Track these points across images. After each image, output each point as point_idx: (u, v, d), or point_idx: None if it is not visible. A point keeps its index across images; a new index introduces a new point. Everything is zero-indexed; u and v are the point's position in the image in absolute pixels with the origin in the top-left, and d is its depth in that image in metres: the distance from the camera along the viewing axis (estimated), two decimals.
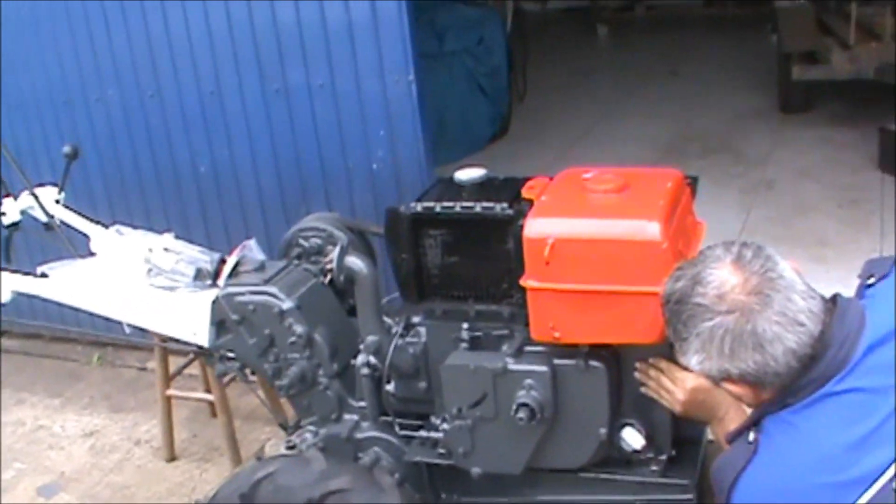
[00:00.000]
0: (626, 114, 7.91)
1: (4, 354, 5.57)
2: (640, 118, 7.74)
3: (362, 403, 2.89)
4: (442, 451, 2.74)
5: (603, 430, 2.54)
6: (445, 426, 2.65)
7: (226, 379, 3.80)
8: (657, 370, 2.48)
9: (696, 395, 2.39)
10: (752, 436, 1.94)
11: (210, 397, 4.08)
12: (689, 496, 2.63)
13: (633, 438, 2.60)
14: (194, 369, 4.30)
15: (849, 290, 2.05)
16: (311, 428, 2.96)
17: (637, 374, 2.52)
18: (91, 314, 3.34)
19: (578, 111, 8.07)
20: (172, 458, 4.27)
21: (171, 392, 4.12)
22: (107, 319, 3.32)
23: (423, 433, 2.78)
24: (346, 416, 2.95)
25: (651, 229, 2.29)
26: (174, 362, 4.16)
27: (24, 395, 5.06)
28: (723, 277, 1.84)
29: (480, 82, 7.36)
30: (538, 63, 8.61)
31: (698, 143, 7.04)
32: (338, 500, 2.50)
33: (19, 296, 3.37)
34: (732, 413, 2.32)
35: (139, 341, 4.89)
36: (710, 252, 1.92)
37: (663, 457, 2.64)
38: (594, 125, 7.72)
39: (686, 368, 2.35)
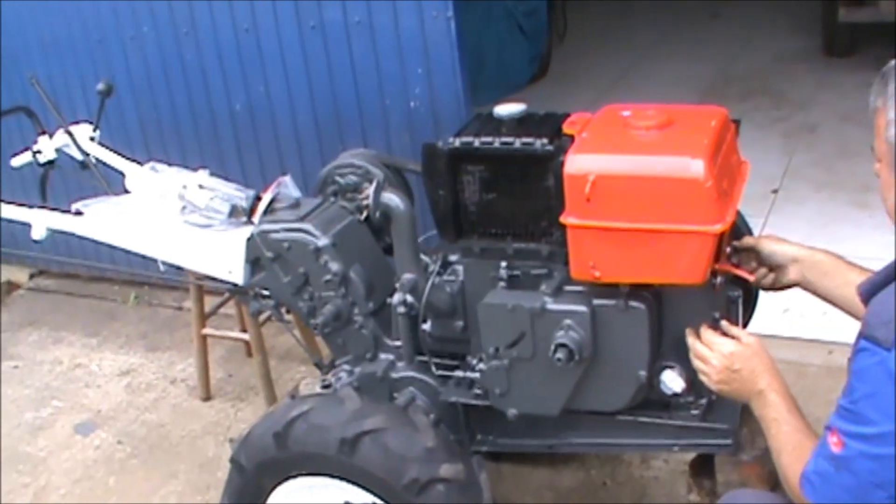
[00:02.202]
0: (666, 56, 7.78)
1: (42, 294, 5.61)
2: (679, 60, 7.61)
3: (398, 343, 2.85)
4: (478, 391, 2.71)
5: (642, 373, 2.48)
6: (482, 366, 2.61)
7: (261, 318, 3.79)
8: (694, 337, 2.41)
9: (733, 361, 2.27)
10: None
11: (245, 337, 4.07)
12: (729, 441, 2.58)
13: (673, 381, 2.54)
14: (230, 309, 4.30)
15: (891, 235, 1.97)
16: (346, 367, 2.93)
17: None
18: (126, 252, 3.32)
19: (617, 53, 7.95)
20: (208, 397, 4.29)
21: (206, 331, 4.11)
22: (142, 257, 3.31)
23: (458, 373, 2.75)
24: (382, 356, 2.91)
25: (695, 167, 2.21)
26: (210, 301, 4.15)
27: (62, 334, 5.09)
28: None
29: (519, 22, 7.24)
30: (578, 3, 8.47)
31: (739, 86, 6.91)
32: (372, 439, 2.47)
33: (55, 234, 3.35)
34: (774, 384, 2.23)
35: (175, 281, 4.90)
36: None
37: (703, 401, 2.58)
38: (633, 67, 7.60)
39: (725, 334, 2.31)
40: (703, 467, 2.81)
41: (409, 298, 2.75)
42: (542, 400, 2.58)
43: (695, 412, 2.60)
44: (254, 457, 2.65)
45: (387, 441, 2.47)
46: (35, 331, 5.18)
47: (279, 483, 2.66)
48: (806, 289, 2.54)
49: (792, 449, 2.07)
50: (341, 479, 2.56)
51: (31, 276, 5.79)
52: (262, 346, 3.96)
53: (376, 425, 2.48)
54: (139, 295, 5.28)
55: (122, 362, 4.73)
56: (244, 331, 4.11)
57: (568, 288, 2.49)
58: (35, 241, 3.37)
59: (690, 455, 2.82)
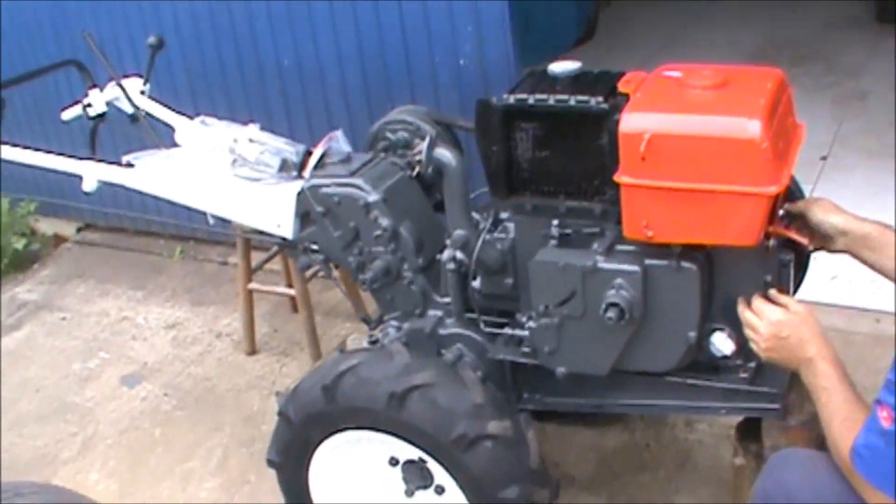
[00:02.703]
0: (715, 20, 7.67)
1: (89, 247, 5.66)
2: (728, 24, 7.50)
3: (446, 299, 2.86)
4: (526, 349, 2.71)
5: (692, 334, 2.47)
6: (531, 324, 2.61)
7: (308, 273, 3.80)
8: (744, 305, 2.39)
9: (781, 329, 2.25)
10: None
11: (291, 292, 4.08)
12: (777, 405, 2.57)
13: (722, 344, 2.53)
14: (276, 264, 4.31)
15: None
16: (394, 323, 2.93)
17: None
18: (175, 205, 3.34)
19: (664, 18, 7.84)
20: (253, 351, 4.31)
21: (252, 286, 4.13)
22: (191, 210, 3.32)
23: (507, 331, 2.74)
24: (430, 312, 2.92)
25: (751, 128, 2.19)
26: (256, 257, 4.16)
27: (109, 287, 5.14)
28: None
29: None
30: None
31: (789, 51, 6.81)
32: (421, 394, 2.48)
33: (103, 188, 3.37)
34: (823, 352, 2.21)
35: (221, 235, 4.94)
36: None
37: (752, 364, 2.57)
38: (680, 32, 7.51)
39: (774, 302, 2.29)
40: (749, 431, 2.79)
41: (460, 255, 2.75)
42: (592, 359, 2.58)
43: (743, 375, 2.59)
44: (302, 410, 2.67)
45: (435, 396, 2.48)
46: (82, 283, 5.24)
47: (327, 436, 2.67)
48: (855, 258, 2.51)
49: (842, 420, 2.06)
50: (388, 433, 2.57)
51: (78, 230, 5.84)
52: (308, 302, 3.97)
53: (425, 380, 2.49)
54: (185, 249, 5.31)
55: (167, 316, 4.77)
56: (290, 286, 4.12)
57: (620, 247, 2.48)
58: (86, 193, 3.39)
59: (736, 419, 2.81)
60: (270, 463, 2.81)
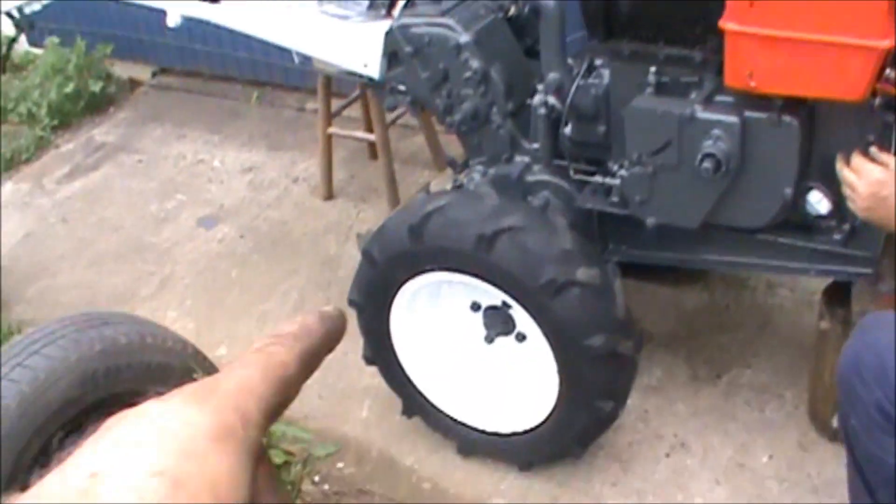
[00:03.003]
0: None
1: (164, 91, 5.64)
2: None
3: (535, 145, 2.79)
4: (615, 199, 2.65)
5: (788, 191, 2.40)
6: (623, 173, 2.55)
7: (391, 115, 3.75)
8: (843, 162, 2.30)
9: (881, 188, 2.17)
10: None
11: (371, 137, 4.02)
12: (869, 270, 2.51)
13: (819, 202, 2.45)
14: (354, 111, 4.26)
15: None
16: (480, 168, 2.88)
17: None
18: (256, 45, 3.28)
19: None
20: (330, 196, 4.29)
21: (332, 130, 4.08)
22: (272, 50, 3.26)
23: (597, 179, 2.68)
24: (517, 158, 2.86)
25: None
26: (335, 103, 4.11)
27: (185, 131, 5.13)
28: None
29: None
30: None
31: None
32: (510, 237, 2.43)
33: (183, 29, 3.31)
34: None
35: (298, 82, 4.90)
36: None
37: (847, 226, 2.50)
38: None
39: (874, 161, 2.21)
40: (837, 295, 2.75)
41: (552, 100, 2.68)
42: (683, 210, 2.52)
43: (837, 237, 2.52)
44: (387, 250, 2.64)
45: (525, 240, 2.44)
46: (159, 126, 5.23)
47: (410, 277, 2.65)
48: None
49: None
50: (475, 276, 2.54)
51: (154, 74, 5.81)
52: (388, 147, 3.93)
53: (515, 223, 2.45)
54: (261, 95, 5.26)
55: (244, 159, 4.75)
56: (369, 132, 4.07)
57: (719, 98, 2.40)
58: (169, 29, 3.33)
59: (820, 283, 2.76)
60: (351, 303, 2.80)
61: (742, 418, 2.98)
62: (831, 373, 2.74)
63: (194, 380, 2.35)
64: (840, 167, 2.31)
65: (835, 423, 2.82)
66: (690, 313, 3.36)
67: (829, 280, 2.75)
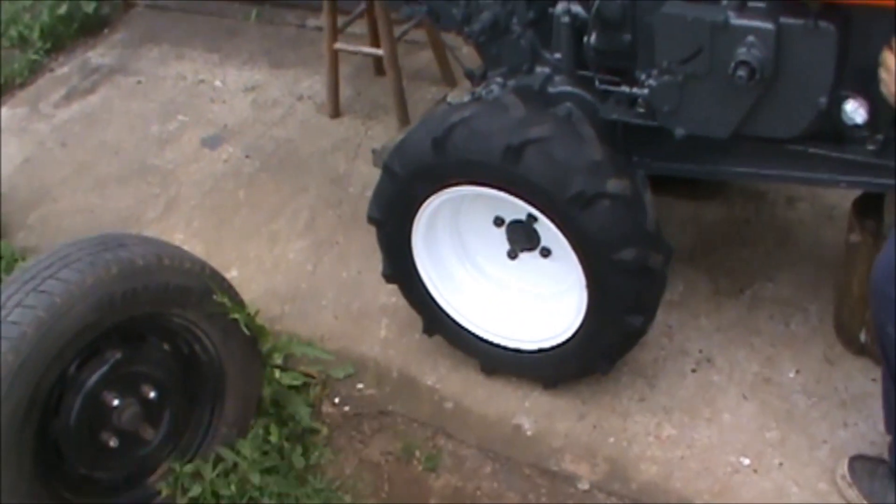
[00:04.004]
0: None
1: (159, 11, 5.50)
2: None
3: (557, 55, 2.70)
4: (641, 110, 2.58)
5: (823, 99, 2.32)
6: (651, 82, 2.47)
7: (399, 30, 3.66)
8: (889, 50, 2.22)
9: None
10: None
11: (379, 52, 3.92)
12: None
13: (855, 111, 2.37)
14: (358, 28, 4.15)
15: None
16: (499, 79, 2.79)
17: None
18: None
19: None
20: (337, 114, 4.20)
21: (338, 45, 3.98)
22: None
23: (623, 88, 2.60)
24: (538, 69, 2.77)
25: None
26: (339, 20, 3.99)
27: (184, 50, 5.01)
28: None
29: None
30: None
31: None
32: (538, 148, 2.36)
33: None
34: None
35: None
36: None
37: (880, 136, 2.43)
38: None
39: None
40: (867, 206, 2.69)
41: (576, 7, 2.59)
42: (714, 120, 2.45)
43: (870, 147, 2.45)
44: (409, 164, 2.57)
45: (553, 151, 2.37)
46: (156, 47, 5.10)
47: (434, 192, 2.58)
48: None
49: None
50: (501, 189, 2.47)
51: None
52: (396, 61, 3.83)
53: (543, 134, 2.38)
54: (261, 12, 5.12)
55: (246, 78, 4.65)
56: (375, 47, 3.97)
57: (753, 4, 2.31)
58: None
59: (837, 198, 2.71)
60: (371, 220, 2.74)
61: (767, 332, 2.95)
62: (861, 285, 2.71)
63: (213, 301, 2.29)
64: (885, 53, 2.22)
65: (862, 336, 2.80)
66: (710, 227, 3.31)
67: (857, 193, 2.70)
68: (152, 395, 2.53)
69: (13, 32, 5.33)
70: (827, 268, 3.03)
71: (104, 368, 2.43)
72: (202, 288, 2.51)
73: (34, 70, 5.12)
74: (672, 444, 2.70)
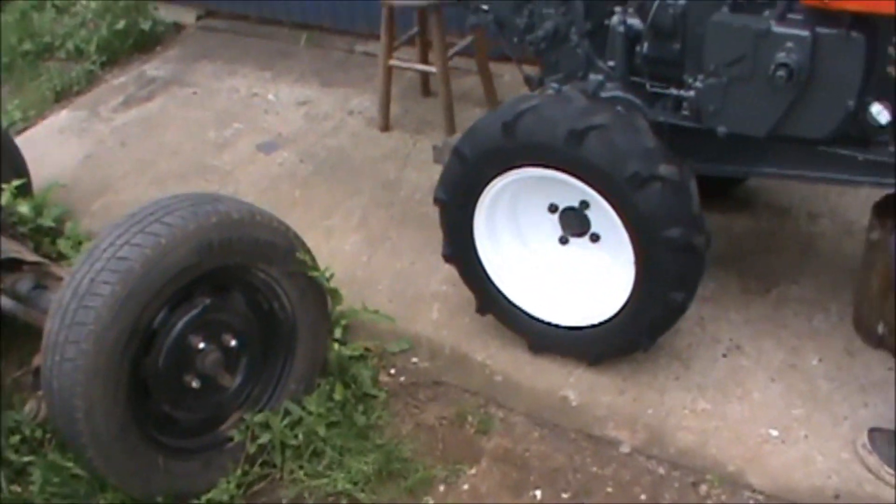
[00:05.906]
0: None
1: (212, 32, 5.79)
2: None
3: (610, 63, 2.98)
4: (686, 112, 2.84)
5: (851, 102, 2.60)
6: (698, 84, 2.74)
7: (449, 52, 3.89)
8: None
9: None
10: None
11: (432, 69, 4.20)
12: None
13: (880, 113, 2.64)
14: (405, 53, 4.46)
15: None
16: (555, 85, 3.05)
17: None
18: None
19: None
20: (387, 127, 4.46)
21: (393, 62, 4.25)
22: None
23: (672, 91, 2.86)
24: (592, 76, 3.04)
25: None
26: None
27: (237, 67, 5.30)
28: None
29: None
30: None
31: None
32: (598, 134, 2.63)
33: None
34: None
35: (346, 24, 5.05)
36: None
37: None
38: None
39: None
40: (888, 206, 2.94)
41: (631, 19, 2.87)
42: (754, 119, 2.71)
43: (892, 149, 2.71)
44: (478, 146, 2.84)
45: (612, 137, 2.64)
46: (209, 63, 5.39)
47: (500, 173, 2.85)
48: None
49: None
50: (563, 171, 2.74)
51: (199, 18, 5.96)
52: (447, 78, 4.10)
53: (603, 121, 2.65)
54: (310, 37, 5.42)
55: (298, 94, 4.92)
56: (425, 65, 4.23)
57: (791, 15, 2.59)
58: None
59: (857, 214, 2.91)
60: (437, 201, 2.99)
61: (792, 326, 3.19)
62: (881, 280, 2.95)
63: (295, 260, 2.57)
64: None
65: (880, 328, 3.03)
66: (739, 237, 3.56)
67: (878, 196, 2.97)
68: (233, 343, 2.76)
69: (70, 45, 5.63)
70: (846, 275, 3.28)
71: (194, 312, 2.66)
72: (287, 246, 2.76)
73: (91, 80, 5.41)
74: (706, 416, 2.93)
